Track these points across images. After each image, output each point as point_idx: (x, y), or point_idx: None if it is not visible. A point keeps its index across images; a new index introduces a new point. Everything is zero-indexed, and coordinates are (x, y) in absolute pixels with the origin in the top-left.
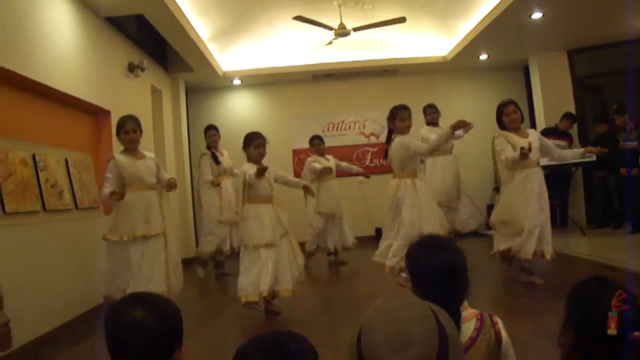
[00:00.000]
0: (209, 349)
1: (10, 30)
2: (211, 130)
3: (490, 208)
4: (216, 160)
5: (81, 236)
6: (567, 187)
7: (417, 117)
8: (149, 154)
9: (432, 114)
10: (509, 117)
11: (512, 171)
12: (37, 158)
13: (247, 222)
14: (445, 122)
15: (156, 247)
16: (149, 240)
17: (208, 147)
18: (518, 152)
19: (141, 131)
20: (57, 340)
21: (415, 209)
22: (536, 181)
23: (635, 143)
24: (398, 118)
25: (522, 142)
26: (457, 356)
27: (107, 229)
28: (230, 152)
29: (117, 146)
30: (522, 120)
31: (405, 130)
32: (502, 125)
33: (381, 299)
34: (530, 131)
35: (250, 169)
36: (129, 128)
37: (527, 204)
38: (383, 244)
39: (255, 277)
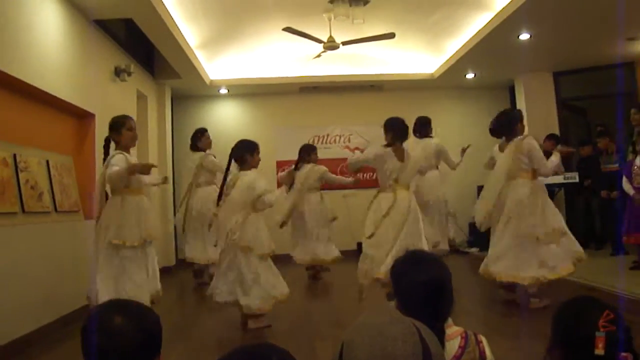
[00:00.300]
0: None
1: None
2: (207, 133)
3: (472, 226)
4: None
5: (60, 240)
6: None
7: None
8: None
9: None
10: (522, 124)
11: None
12: (17, 158)
13: (260, 230)
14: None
15: (152, 251)
16: (151, 243)
17: (199, 150)
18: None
19: None
20: (32, 344)
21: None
22: None
23: (617, 166)
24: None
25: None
26: None
27: (112, 234)
28: None
29: (100, 150)
30: None
31: None
32: (511, 133)
33: (364, 315)
34: None
35: (263, 180)
36: (133, 126)
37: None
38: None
39: (277, 282)
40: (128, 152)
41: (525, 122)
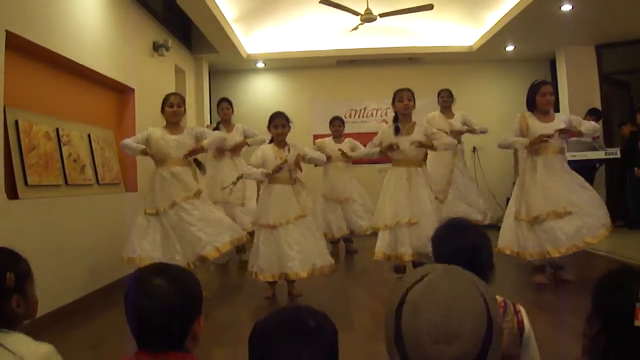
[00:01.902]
0: (226, 324)
1: (38, 4)
2: (221, 104)
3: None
4: None
5: (102, 212)
6: (590, 184)
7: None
8: (188, 128)
9: (445, 97)
10: (544, 98)
11: None
12: (60, 132)
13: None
14: (466, 110)
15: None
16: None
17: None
18: None
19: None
20: (75, 312)
21: None
22: None
23: None
24: None
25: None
26: (496, 354)
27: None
28: None
29: (140, 123)
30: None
31: None
32: (532, 105)
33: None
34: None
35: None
36: (174, 102)
37: None
38: None
39: None
40: (174, 126)
41: (566, 96)
